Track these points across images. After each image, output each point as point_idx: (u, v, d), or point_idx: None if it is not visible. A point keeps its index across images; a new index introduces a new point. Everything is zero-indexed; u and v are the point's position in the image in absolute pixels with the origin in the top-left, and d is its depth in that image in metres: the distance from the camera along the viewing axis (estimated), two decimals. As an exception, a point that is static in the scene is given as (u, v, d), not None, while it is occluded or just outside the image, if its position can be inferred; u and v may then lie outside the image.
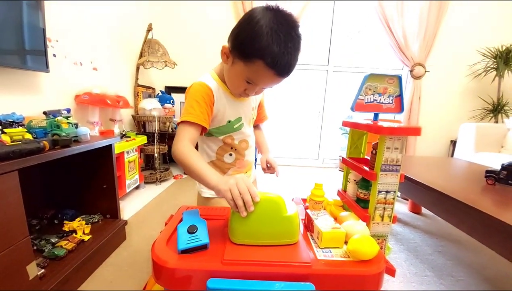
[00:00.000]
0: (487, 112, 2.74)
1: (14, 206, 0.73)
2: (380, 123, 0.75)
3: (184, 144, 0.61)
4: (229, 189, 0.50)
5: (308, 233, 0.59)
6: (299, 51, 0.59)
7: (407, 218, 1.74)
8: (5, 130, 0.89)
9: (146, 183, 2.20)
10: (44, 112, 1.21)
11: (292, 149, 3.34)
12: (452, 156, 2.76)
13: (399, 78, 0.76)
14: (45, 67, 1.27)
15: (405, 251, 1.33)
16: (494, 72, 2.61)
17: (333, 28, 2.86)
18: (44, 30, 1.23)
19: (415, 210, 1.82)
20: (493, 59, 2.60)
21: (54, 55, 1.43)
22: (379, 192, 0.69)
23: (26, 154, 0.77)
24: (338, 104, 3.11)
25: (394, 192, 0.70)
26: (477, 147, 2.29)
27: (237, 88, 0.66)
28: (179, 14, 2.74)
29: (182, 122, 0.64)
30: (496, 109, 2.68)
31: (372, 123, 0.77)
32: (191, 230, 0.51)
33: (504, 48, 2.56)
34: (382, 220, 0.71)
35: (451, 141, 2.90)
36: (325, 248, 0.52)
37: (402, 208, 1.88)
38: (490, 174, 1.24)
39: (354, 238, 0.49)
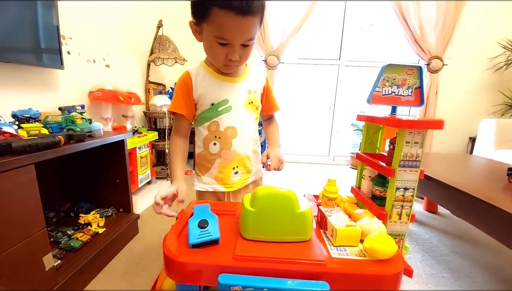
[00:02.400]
0: (508, 107, 2.59)
1: (31, 199, 0.75)
2: (398, 116, 0.71)
3: (172, 138, 0.74)
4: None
5: (321, 230, 0.57)
6: None
7: (423, 217, 1.68)
8: (22, 125, 0.92)
9: (157, 178, 2.23)
10: (60, 108, 1.24)
11: (303, 145, 3.30)
12: (470, 153, 2.64)
13: (420, 69, 0.71)
14: (60, 64, 1.29)
15: (421, 251, 1.28)
16: (517, 65, 2.47)
17: (345, 22, 2.77)
18: (58, 27, 1.25)
19: (431, 208, 1.76)
20: (515, 52, 2.46)
21: (68, 53, 1.45)
22: (397, 189, 0.66)
23: (42, 148, 0.79)
24: (349, 100, 3.03)
25: (413, 189, 0.66)
26: (497, 144, 2.17)
27: (218, 57, 0.65)
28: (188, 9, 2.72)
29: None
30: (518, 105, 2.54)
31: (389, 116, 0.74)
32: (202, 224, 0.50)
33: (527, 39, 2.41)
34: (400, 219, 0.68)
35: (470, 138, 2.78)
36: (339, 246, 0.50)
37: (417, 206, 1.82)
38: (514, 172, 1.17)
39: (371, 236, 0.47)
